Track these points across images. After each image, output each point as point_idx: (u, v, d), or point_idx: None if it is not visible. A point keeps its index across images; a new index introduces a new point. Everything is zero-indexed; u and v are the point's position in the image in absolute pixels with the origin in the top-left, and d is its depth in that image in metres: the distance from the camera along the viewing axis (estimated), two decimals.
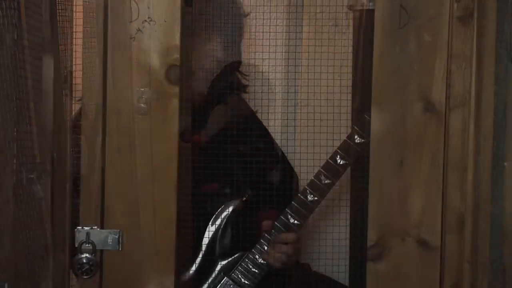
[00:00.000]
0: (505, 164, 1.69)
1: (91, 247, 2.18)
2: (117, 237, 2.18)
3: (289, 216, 2.48)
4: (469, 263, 2.12)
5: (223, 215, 2.56)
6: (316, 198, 2.47)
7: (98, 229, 2.19)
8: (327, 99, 2.57)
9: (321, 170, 2.46)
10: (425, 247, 2.19)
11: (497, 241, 1.83)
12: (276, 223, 2.48)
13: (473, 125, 2.11)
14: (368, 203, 2.20)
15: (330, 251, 2.65)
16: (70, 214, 2.19)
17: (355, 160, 2.49)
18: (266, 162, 2.57)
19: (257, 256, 2.49)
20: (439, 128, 2.17)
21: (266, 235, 2.50)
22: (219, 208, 2.55)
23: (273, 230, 2.48)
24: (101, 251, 2.19)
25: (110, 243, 2.19)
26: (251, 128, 2.55)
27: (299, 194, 2.49)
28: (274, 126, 2.68)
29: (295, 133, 2.55)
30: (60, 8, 2.09)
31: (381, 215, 2.18)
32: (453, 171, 2.16)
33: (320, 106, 2.56)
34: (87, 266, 2.18)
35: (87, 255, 2.18)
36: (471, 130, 2.12)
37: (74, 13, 2.17)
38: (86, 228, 2.18)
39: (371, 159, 2.19)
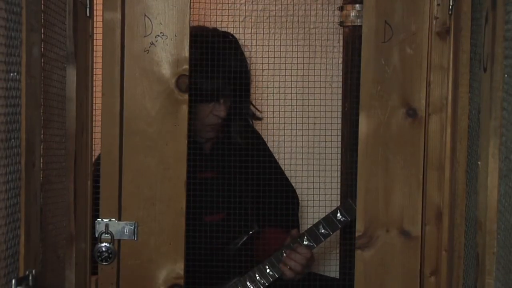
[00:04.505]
0: (479, 163, 1.70)
1: (109, 237, 2.19)
2: (133, 228, 2.19)
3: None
4: (446, 251, 2.13)
5: (230, 244, 2.54)
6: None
7: (116, 221, 2.20)
8: (320, 105, 2.57)
9: (305, 233, 2.46)
10: (407, 237, 2.20)
11: (471, 232, 1.83)
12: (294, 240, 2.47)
13: (450, 128, 2.12)
14: (357, 198, 2.20)
15: (322, 244, 2.65)
16: (91, 208, 2.19)
17: (335, 232, 2.50)
18: (277, 197, 2.55)
19: (247, 282, 2.48)
20: (419, 131, 2.18)
21: (291, 243, 2.47)
22: (225, 239, 2.53)
23: (298, 239, 2.47)
24: (119, 240, 2.21)
25: (127, 233, 2.20)
26: (264, 161, 2.52)
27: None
28: (273, 129, 2.68)
29: (291, 135, 2.55)
30: (82, 24, 2.10)
31: (368, 208, 2.19)
32: (432, 170, 2.17)
33: (314, 111, 2.57)
34: (106, 254, 2.19)
35: (106, 244, 2.19)
36: (448, 133, 2.13)
37: (94, 29, 2.18)
38: (105, 220, 2.20)
39: (359, 158, 2.20)
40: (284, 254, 2.46)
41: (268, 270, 2.47)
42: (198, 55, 2.36)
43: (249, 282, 2.47)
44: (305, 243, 2.46)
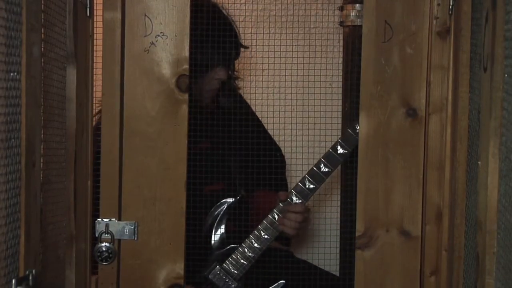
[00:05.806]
0: (479, 162, 1.70)
1: (110, 237, 2.19)
2: (133, 228, 2.19)
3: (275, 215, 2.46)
4: (446, 251, 2.13)
5: (218, 211, 2.54)
6: (300, 200, 2.45)
7: (116, 220, 2.20)
8: (320, 105, 2.57)
9: (306, 176, 2.43)
10: (407, 237, 2.20)
11: (471, 231, 1.84)
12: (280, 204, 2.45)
13: (450, 128, 2.12)
14: (357, 198, 2.20)
15: (323, 244, 2.65)
16: (91, 208, 2.19)
17: (337, 167, 2.46)
18: (263, 156, 2.53)
19: (246, 249, 2.47)
20: (419, 131, 2.18)
21: (280, 204, 2.45)
22: (215, 205, 2.53)
23: (288, 199, 2.44)
24: (119, 240, 2.21)
25: (127, 233, 2.20)
26: (249, 125, 2.51)
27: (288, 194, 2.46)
28: (273, 129, 2.68)
29: (291, 135, 2.56)
30: (82, 24, 2.10)
31: (368, 208, 2.19)
32: (432, 169, 2.17)
33: (314, 111, 2.57)
34: (106, 254, 2.19)
35: (106, 244, 2.19)
36: (448, 133, 2.13)
37: (94, 29, 2.18)
38: (105, 220, 2.20)
39: (359, 158, 2.20)
40: (276, 216, 2.46)
41: (263, 234, 2.46)
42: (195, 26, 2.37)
43: (247, 249, 2.47)
44: (294, 200, 2.45)
